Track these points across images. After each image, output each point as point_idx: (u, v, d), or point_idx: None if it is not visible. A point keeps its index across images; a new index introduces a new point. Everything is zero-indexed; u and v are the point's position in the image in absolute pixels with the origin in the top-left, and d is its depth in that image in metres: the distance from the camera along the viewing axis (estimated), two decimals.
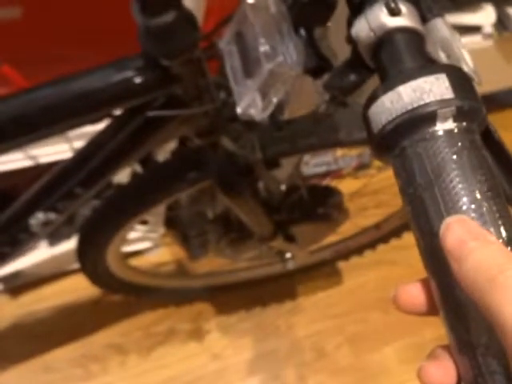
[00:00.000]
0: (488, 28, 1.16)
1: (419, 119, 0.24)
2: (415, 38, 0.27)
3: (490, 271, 0.20)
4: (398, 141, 0.24)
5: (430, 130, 0.24)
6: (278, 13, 0.36)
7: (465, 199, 0.22)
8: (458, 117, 0.24)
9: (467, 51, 0.31)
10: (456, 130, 0.24)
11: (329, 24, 0.36)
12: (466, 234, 0.21)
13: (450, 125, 0.24)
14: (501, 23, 1.16)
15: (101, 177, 0.55)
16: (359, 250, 1.17)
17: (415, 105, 0.24)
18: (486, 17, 1.13)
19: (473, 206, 0.22)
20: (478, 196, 0.22)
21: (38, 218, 0.56)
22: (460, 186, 0.23)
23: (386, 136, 0.24)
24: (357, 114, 0.70)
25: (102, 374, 1.05)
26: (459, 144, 0.23)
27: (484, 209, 0.22)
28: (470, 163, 0.23)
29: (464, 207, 0.22)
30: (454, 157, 0.23)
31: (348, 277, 1.27)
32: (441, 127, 0.24)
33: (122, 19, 0.55)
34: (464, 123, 0.24)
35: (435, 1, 0.32)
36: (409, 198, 0.24)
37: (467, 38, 1.14)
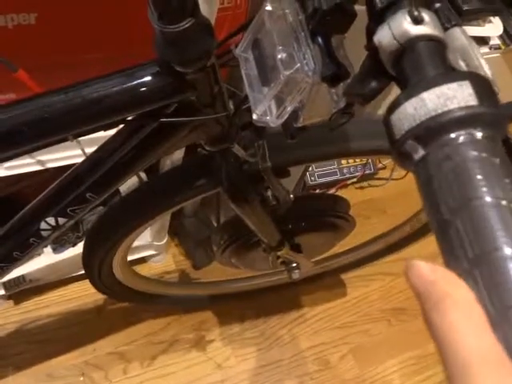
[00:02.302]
0: (495, 40, 1.17)
1: (443, 125, 0.24)
2: (437, 46, 0.27)
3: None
4: (420, 147, 0.24)
5: (454, 137, 0.24)
6: (295, 21, 0.37)
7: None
8: (481, 124, 0.24)
9: (485, 60, 0.31)
10: (479, 137, 0.24)
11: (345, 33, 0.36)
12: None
13: (474, 132, 0.24)
14: (508, 35, 1.17)
15: (112, 182, 0.55)
16: (363, 261, 1.17)
17: (439, 111, 0.24)
18: (493, 29, 1.14)
19: (497, 213, 0.22)
20: (504, 203, 0.22)
21: (49, 222, 0.56)
22: (483, 192, 0.23)
23: (410, 142, 0.25)
24: (364, 125, 0.70)
25: (103, 382, 1.05)
26: (483, 151, 0.23)
27: (508, 215, 0.22)
28: (494, 171, 0.23)
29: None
30: (477, 164, 0.23)
31: (352, 288, 1.26)
32: (464, 134, 0.24)
33: (137, 26, 0.56)
34: (487, 130, 0.24)
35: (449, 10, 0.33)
36: (430, 205, 0.24)
37: None
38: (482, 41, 1.18)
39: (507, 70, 1.26)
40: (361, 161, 1.40)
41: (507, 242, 0.21)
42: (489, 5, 1.22)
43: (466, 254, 0.22)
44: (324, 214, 0.87)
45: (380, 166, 1.46)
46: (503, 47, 1.19)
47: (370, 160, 1.40)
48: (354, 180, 1.41)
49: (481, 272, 0.21)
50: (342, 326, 1.21)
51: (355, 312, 1.23)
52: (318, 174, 1.36)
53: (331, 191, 1.39)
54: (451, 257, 0.22)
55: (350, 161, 1.39)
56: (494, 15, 1.13)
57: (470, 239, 0.22)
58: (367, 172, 1.41)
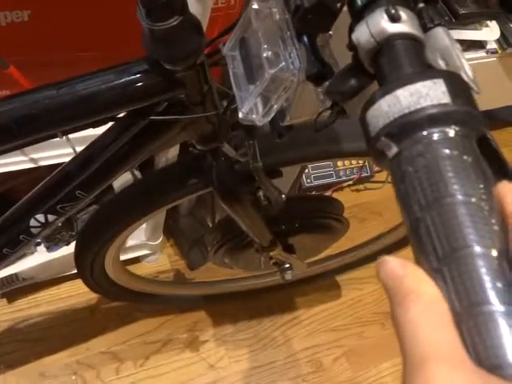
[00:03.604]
0: (492, 44, 1.17)
1: (416, 122, 0.24)
2: (414, 45, 0.27)
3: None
4: (394, 144, 0.25)
5: (426, 134, 0.24)
6: (281, 20, 0.37)
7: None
8: (453, 121, 0.24)
9: (467, 61, 0.31)
10: (451, 135, 0.24)
11: (331, 32, 0.37)
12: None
13: (446, 129, 0.24)
14: (505, 39, 1.17)
15: (102, 180, 0.55)
16: (357, 264, 1.17)
17: (412, 108, 0.24)
18: (490, 33, 1.14)
19: (466, 211, 0.22)
20: (473, 200, 0.22)
21: (39, 219, 0.56)
22: (454, 190, 0.23)
23: (383, 139, 0.25)
24: (357, 126, 0.70)
25: (96, 382, 1.05)
26: (455, 149, 0.23)
27: (478, 213, 0.22)
28: (465, 169, 0.23)
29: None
30: (449, 161, 0.23)
31: (346, 291, 1.26)
32: (436, 131, 0.24)
33: (128, 24, 0.56)
34: (459, 128, 0.24)
35: (439, 12, 0.33)
36: (403, 203, 0.24)
37: (471, 54, 1.15)
38: (478, 45, 1.19)
39: (504, 74, 1.26)
40: (357, 163, 1.40)
41: (476, 240, 0.21)
42: (486, 9, 1.23)
43: (436, 252, 0.22)
44: (317, 215, 0.87)
45: (376, 169, 1.46)
46: (500, 51, 1.19)
47: (366, 163, 1.40)
48: (351, 182, 1.41)
49: (449, 269, 0.21)
50: (335, 329, 1.21)
51: (349, 315, 1.23)
52: (314, 176, 1.36)
53: (327, 193, 1.39)
54: (422, 254, 0.23)
55: (347, 163, 1.39)
56: (490, 19, 1.13)
57: (440, 236, 0.22)
58: (364, 175, 1.41)
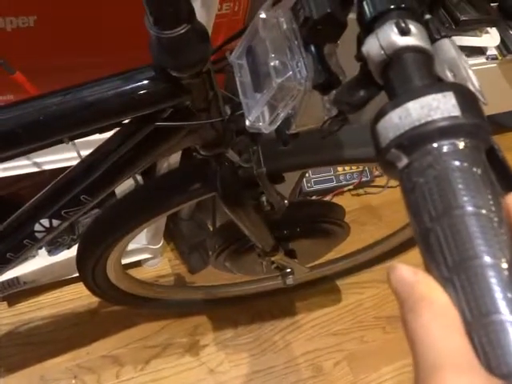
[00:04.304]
0: (492, 50, 1.18)
1: (426, 135, 0.24)
2: (424, 57, 0.28)
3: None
4: (404, 155, 0.25)
5: (436, 146, 0.24)
6: (288, 29, 0.37)
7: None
8: (463, 134, 0.24)
9: (473, 72, 0.32)
10: (461, 147, 0.24)
11: (338, 42, 0.37)
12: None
13: (456, 141, 0.24)
14: (505, 46, 1.18)
15: (107, 185, 0.55)
16: (358, 268, 1.17)
17: (423, 121, 0.24)
18: (490, 39, 1.14)
19: (476, 222, 0.23)
20: (483, 212, 0.23)
21: (43, 224, 0.56)
22: (464, 201, 0.23)
23: (394, 150, 0.25)
24: (360, 132, 0.71)
25: None
26: (465, 161, 0.24)
27: (488, 224, 0.23)
28: (475, 180, 0.24)
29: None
30: (459, 173, 0.24)
31: (347, 295, 1.26)
32: (446, 143, 0.24)
33: (133, 29, 0.56)
34: (469, 140, 0.24)
35: (442, 22, 0.33)
36: (413, 213, 0.25)
37: (471, 60, 1.16)
38: (479, 51, 1.19)
39: (504, 81, 1.26)
40: (357, 168, 1.40)
41: (486, 251, 0.22)
42: (486, 16, 1.24)
43: (446, 262, 0.22)
44: (318, 220, 0.88)
45: (377, 173, 1.46)
46: (500, 58, 1.20)
47: (366, 167, 1.40)
48: (351, 187, 1.41)
49: (460, 279, 0.22)
50: (336, 333, 1.21)
51: (350, 319, 1.23)
52: (315, 180, 1.36)
53: (327, 198, 1.39)
54: (432, 263, 0.23)
55: (347, 168, 1.39)
56: (490, 26, 1.14)
57: (450, 247, 0.22)
58: (364, 179, 1.42)
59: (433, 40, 0.31)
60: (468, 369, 0.20)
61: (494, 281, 0.21)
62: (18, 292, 1.05)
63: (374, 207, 1.43)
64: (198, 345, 1.13)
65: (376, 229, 1.37)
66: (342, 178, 1.39)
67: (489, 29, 1.14)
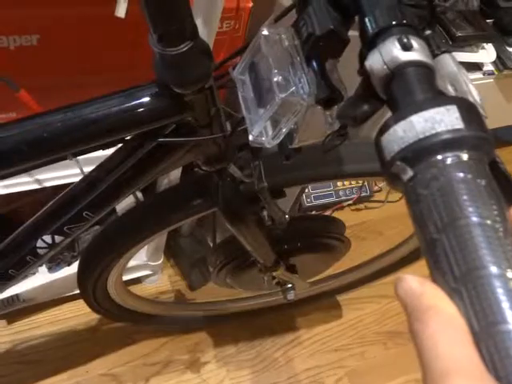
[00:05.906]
0: (489, 66, 1.20)
1: (430, 147, 0.25)
2: (426, 72, 0.28)
3: None
4: (409, 168, 0.25)
5: (441, 158, 0.24)
6: (290, 45, 0.38)
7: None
8: (467, 146, 0.25)
9: (474, 86, 0.32)
10: (465, 159, 0.24)
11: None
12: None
13: (460, 154, 0.25)
14: (501, 61, 1.19)
15: (110, 201, 0.55)
16: (358, 283, 1.17)
17: (427, 134, 0.25)
18: (486, 55, 1.16)
19: (482, 233, 0.23)
20: (488, 223, 0.23)
21: (46, 240, 0.56)
22: (469, 212, 0.23)
23: (399, 163, 0.25)
24: (359, 148, 0.71)
25: None
26: (469, 172, 0.24)
27: (493, 236, 0.23)
28: (479, 191, 0.24)
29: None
30: (463, 185, 0.24)
31: (347, 310, 1.26)
32: (450, 155, 0.24)
33: (135, 47, 0.57)
34: (473, 152, 0.25)
35: (440, 38, 0.34)
36: (419, 224, 0.25)
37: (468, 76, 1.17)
38: (475, 67, 1.21)
39: (501, 96, 1.28)
40: (357, 183, 1.41)
41: (492, 261, 0.22)
42: (482, 32, 1.26)
43: (453, 272, 0.22)
44: (319, 235, 0.88)
45: (376, 188, 1.47)
46: (497, 73, 1.21)
47: (365, 182, 1.41)
48: (350, 202, 1.42)
49: (466, 289, 0.22)
50: (337, 349, 1.20)
51: (351, 335, 1.23)
52: (314, 195, 1.36)
53: (327, 213, 1.40)
54: (438, 274, 0.23)
55: (346, 183, 1.40)
56: (487, 42, 1.16)
57: (457, 257, 0.22)
58: (363, 194, 1.42)
59: (433, 55, 0.32)
60: (476, 378, 0.20)
61: (500, 291, 0.21)
62: (16, 310, 1.04)
63: (373, 222, 1.43)
64: (198, 362, 1.12)
65: (376, 244, 1.37)
66: (341, 193, 1.39)
67: (485, 44, 1.16)
